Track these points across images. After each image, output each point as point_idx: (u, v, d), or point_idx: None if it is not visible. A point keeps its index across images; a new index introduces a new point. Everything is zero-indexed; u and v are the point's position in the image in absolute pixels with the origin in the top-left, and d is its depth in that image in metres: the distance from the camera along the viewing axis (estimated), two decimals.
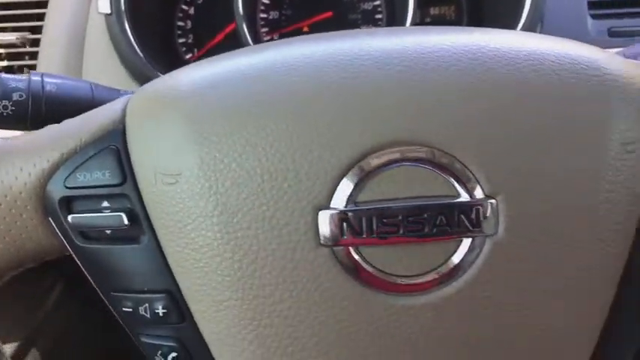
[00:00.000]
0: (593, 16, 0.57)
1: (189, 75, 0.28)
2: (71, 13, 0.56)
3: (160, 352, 0.28)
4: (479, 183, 0.25)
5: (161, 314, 0.27)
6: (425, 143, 0.25)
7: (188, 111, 0.26)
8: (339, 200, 0.25)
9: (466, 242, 0.26)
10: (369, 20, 0.66)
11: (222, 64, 0.28)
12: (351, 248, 0.25)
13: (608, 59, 0.28)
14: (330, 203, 0.25)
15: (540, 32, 0.58)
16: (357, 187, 0.25)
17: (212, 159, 0.25)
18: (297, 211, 0.25)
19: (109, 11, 0.54)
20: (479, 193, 0.25)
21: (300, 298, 0.26)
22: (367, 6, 0.66)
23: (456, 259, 0.26)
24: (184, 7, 0.67)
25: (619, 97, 0.26)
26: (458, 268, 0.26)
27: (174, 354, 0.28)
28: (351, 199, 0.25)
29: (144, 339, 0.28)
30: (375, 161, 0.25)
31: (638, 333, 0.29)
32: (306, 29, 0.67)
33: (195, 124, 0.26)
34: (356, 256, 0.26)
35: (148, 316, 0.27)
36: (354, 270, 0.26)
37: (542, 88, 0.26)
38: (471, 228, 0.25)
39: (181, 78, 0.28)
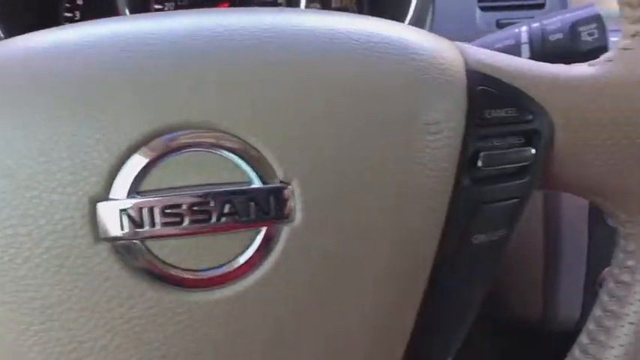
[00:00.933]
0: (482, 9, 0.58)
1: None
2: None
3: None
4: (273, 168, 0.24)
5: None
6: (214, 127, 0.23)
7: None
8: (119, 190, 0.23)
9: (262, 231, 0.24)
10: None
11: (32, 39, 0.25)
12: (135, 242, 0.23)
13: (421, 40, 0.26)
14: (109, 194, 0.23)
15: (430, 24, 0.58)
16: (139, 175, 0.23)
17: None
18: (72, 204, 0.23)
19: None
20: (273, 179, 0.24)
21: (82, 298, 0.23)
22: None
23: (252, 249, 0.24)
24: None
25: (424, 77, 0.25)
26: (255, 259, 0.24)
27: None
28: (132, 188, 0.23)
29: None
30: (159, 147, 0.23)
31: (454, 324, 0.28)
32: None
33: None
34: (142, 250, 0.24)
35: None
36: (139, 265, 0.24)
37: (342, 68, 0.25)
38: (263, 216, 0.24)
39: None
